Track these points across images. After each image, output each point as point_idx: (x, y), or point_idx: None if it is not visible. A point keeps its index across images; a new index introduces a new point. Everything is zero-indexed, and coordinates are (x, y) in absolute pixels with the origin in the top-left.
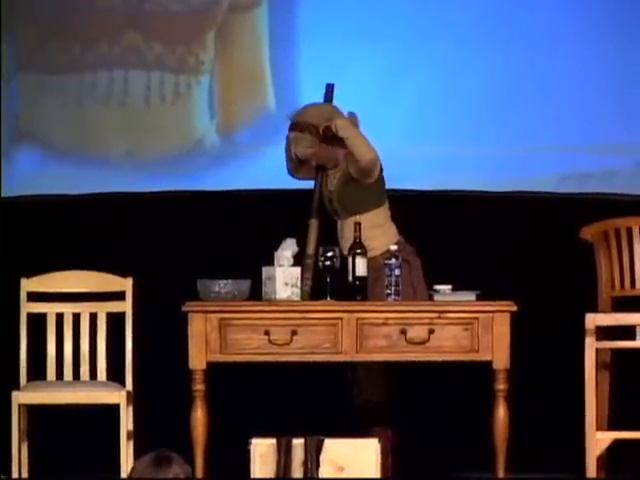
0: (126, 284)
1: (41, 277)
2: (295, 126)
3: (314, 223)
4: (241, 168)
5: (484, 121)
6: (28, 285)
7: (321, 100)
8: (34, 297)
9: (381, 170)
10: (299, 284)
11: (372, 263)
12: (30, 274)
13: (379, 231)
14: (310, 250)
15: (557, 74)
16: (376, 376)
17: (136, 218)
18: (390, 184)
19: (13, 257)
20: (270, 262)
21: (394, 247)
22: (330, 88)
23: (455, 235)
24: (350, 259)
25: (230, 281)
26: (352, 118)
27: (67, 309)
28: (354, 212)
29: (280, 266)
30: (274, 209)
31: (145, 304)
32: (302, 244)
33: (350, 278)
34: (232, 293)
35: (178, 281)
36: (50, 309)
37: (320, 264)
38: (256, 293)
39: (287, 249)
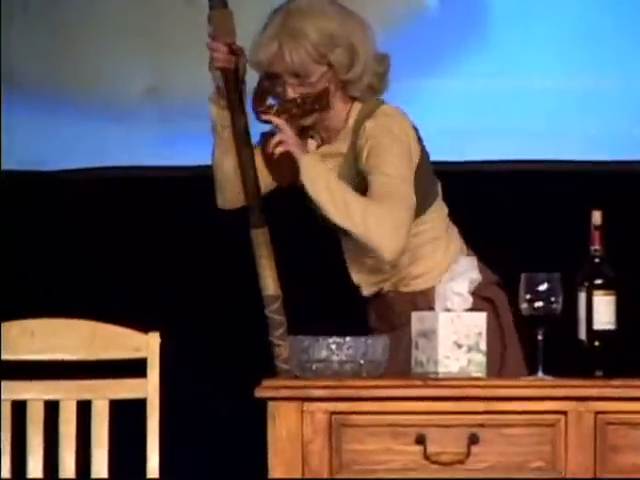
0: (147, 344)
1: None
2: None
3: (260, 234)
4: None
5: None
6: None
7: None
8: None
9: (420, 141)
10: (483, 345)
11: (413, 302)
12: None
13: (429, 248)
14: (271, 289)
15: None
16: None
17: (160, 214)
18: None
19: None
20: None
21: None
22: None
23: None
24: (583, 296)
25: (349, 339)
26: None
27: (36, 394)
28: None
29: (447, 311)
30: None
31: (181, 382)
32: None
33: (583, 335)
34: (355, 362)
35: (243, 335)
36: (4, 394)
37: (524, 308)
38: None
39: (461, 278)
